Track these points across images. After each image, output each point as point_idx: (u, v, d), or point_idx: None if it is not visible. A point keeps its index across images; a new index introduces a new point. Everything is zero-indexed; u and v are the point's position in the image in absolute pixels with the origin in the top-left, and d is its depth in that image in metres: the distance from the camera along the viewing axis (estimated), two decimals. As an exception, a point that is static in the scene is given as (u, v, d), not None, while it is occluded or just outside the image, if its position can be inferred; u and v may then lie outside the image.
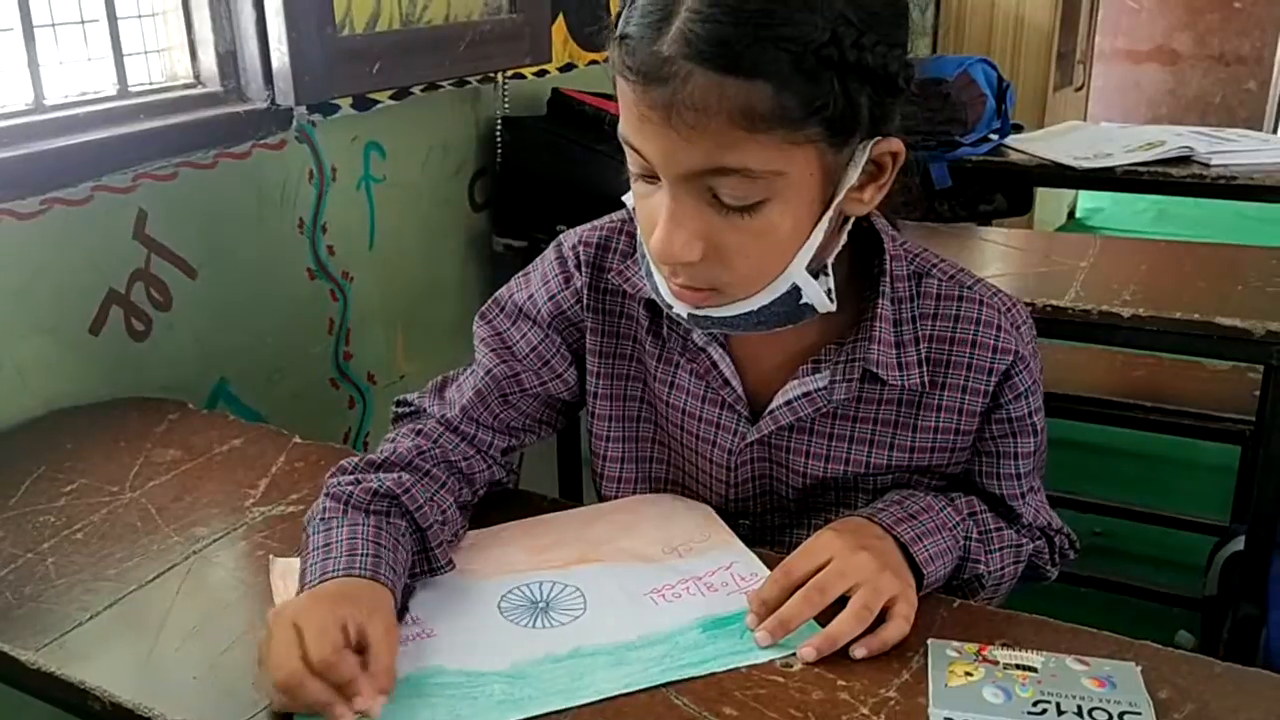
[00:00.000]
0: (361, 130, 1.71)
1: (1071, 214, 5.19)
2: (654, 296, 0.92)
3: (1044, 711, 0.74)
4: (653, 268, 0.89)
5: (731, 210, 0.81)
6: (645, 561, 0.95)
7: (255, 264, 1.55)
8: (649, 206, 0.84)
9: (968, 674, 0.78)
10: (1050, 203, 4.71)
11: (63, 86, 1.38)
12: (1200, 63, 6.01)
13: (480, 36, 1.79)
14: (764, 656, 0.83)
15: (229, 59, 1.51)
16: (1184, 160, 2.25)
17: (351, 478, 0.94)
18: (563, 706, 0.78)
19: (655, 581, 0.92)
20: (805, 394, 0.95)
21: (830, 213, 0.84)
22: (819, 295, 0.87)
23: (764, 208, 0.81)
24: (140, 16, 1.47)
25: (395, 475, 0.93)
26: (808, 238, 0.84)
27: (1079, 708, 0.75)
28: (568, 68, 2.16)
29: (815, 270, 0.87)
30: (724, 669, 0.82)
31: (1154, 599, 2.24)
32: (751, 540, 0.99)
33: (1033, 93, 4.19)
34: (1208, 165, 2.21)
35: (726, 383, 0.98)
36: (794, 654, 0.83)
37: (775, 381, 0.97)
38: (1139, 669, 0.79)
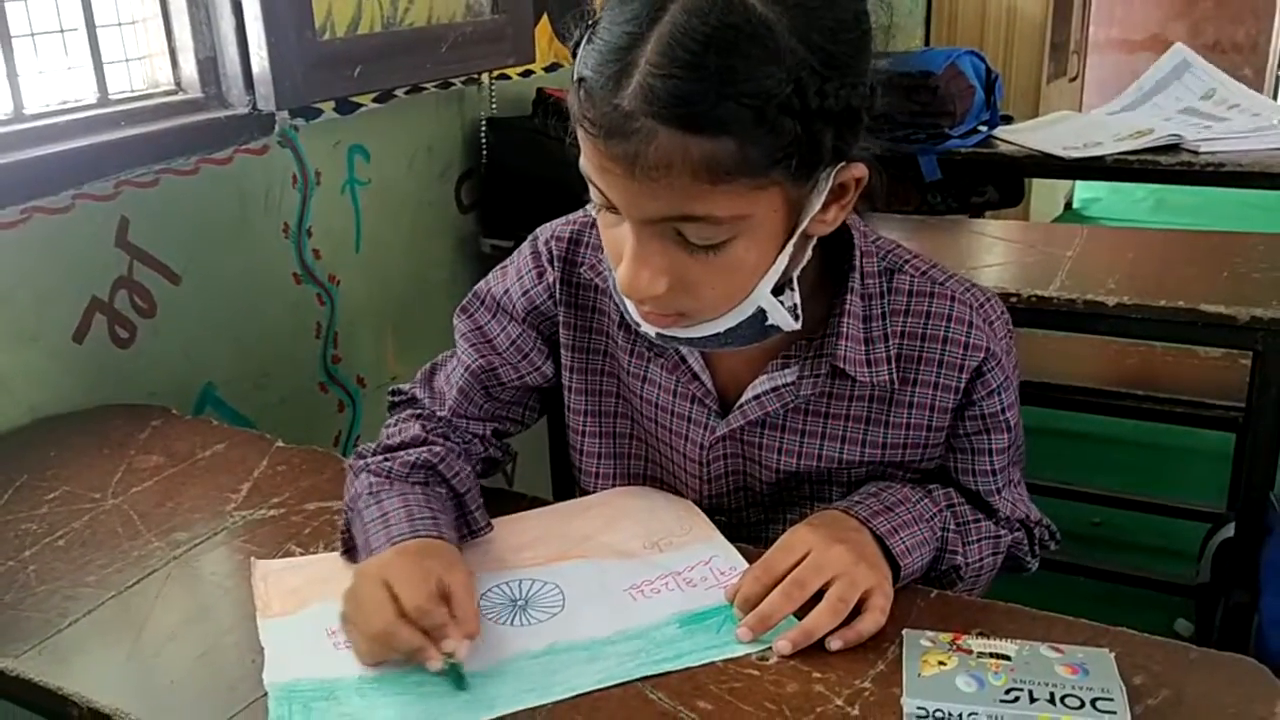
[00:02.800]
0: (345, 134, 1.71)
1: (1069, 205, 5.18)
2: (622, 311, 0.93)
3: (1016, 699, 0.74)
4: (619, 291, 0.88)
5: (697, 249, 0.80)
6: (626, 557, 0.95)
7: (240, 269, 1.55)
8: (614, 236, 0.84)
9: (941, 663, 0.78)
10: (1046, 194, 4.70)
11: (43, 96, 1.38)
12: (1195, 51, 5.99)
13: (463, 38, 1.79)
14: (739, 651, 0.83)
15: (209, 65, 1.51)
16: (1173, 148, 2.25)
17: (382, 456, 0.97)
18: (536, 704, 0.78)
19: (635, 577, 0.92)
20: (774, 389, 0.96)
21: (795, 239, 0.84)
22: (784, 316, 0.87)
23: (729, 245, 0.80)
24: (120, 24, 1.47)
25: (424, 449, 0.97)
26: (772, 264, 0.84)
27: (1051, 695, 0.74)
28: (553, 67, 2.16)
29: (780, 286, 0.87)
30: (699, 663, 0.82)
31: (1152, 587, 2.24)
32: (729, 536, 0.99)
33: (1026, 84, 4.19)
34: (1197, 153, 2.20)
35: (695, 377, 0.98)
36: (770, 648, 0.83)
37: (745, 376, 0.97)
38: (1113, 655, 0.79)
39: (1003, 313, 0.97)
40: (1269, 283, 1.56)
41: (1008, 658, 0.78)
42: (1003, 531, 1.00)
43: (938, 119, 2.41)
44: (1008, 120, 2.61)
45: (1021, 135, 2.46)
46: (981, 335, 0.93)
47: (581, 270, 1.01)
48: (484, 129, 1.96)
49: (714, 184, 0.76)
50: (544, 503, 1.07)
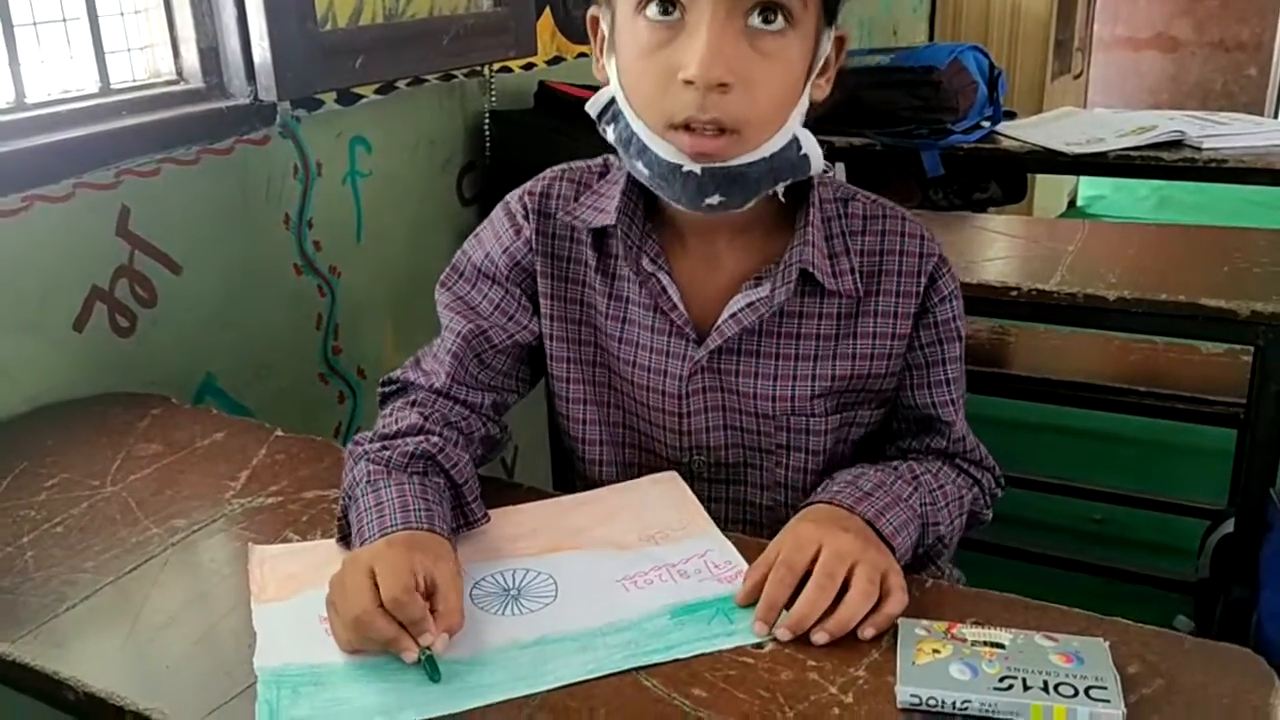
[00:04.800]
0: (346, 125, 1.71)
1: (1073, 202, 5.18)
2: (650, 177, 0.95)
3: (1010, 687, 0.74)
4: (655, 140, 0.92)
5: (760, 38, 0.88)
6: (620, 549, 0.96)
7: (241, 260, 1.55)
8: (664, 58, 0.89)
9: (935, 651, 0.78)
10: (1050, 190, 4.70)
11: (45, 85, 1.38)
12: (1200, 49, 5.99)
13: (465, 30, 1.79)
14: (729, 643, 0.83)
15: (211, 55, 1.51)
16: (1176, 144, 2.25)
17: (380, 444, 0.98)
18: (527, 693, 0.78)
19: (628, 569, 0.92)
20: (748, 304, 1.00)
21: (812, 79, 0.94)
22: (813, 145, 0.95)
23: (787, 36, 0.89)
24: (122, 14, 1.47)
25: (422, 438, 0.98)
26: (801, 94, 0.93)
27: (1045, 683, 0.74)
28: (555, 60, 2.16)
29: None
30: (688, 655, 0.82)
31: (1152, 584, 2.24)
32: (708, 479, 1.05)
33: (1030, 81, 4.19)
34: (1199, 149, 2.20)
35: (675, 306, 1.02)
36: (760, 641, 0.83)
37: (720, 305, 1.02)
38: (1107, 645, 0.79)
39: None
40: (1270, 278, 1.56)
41: (1002, 646, 0.79)
42: (964, 491, 1.04)
43: (941, 114, 2.41)
44: (1011, 116, 2.61)
45: (1024, 131, 2.46)
46: (932, 245, 1.02)
47: (559, 216, 1.05)
48: (487, 121, 1.96)
49: None
50: (543, 494, 1.07)
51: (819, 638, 0.82)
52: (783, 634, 0.82)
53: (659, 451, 1.08)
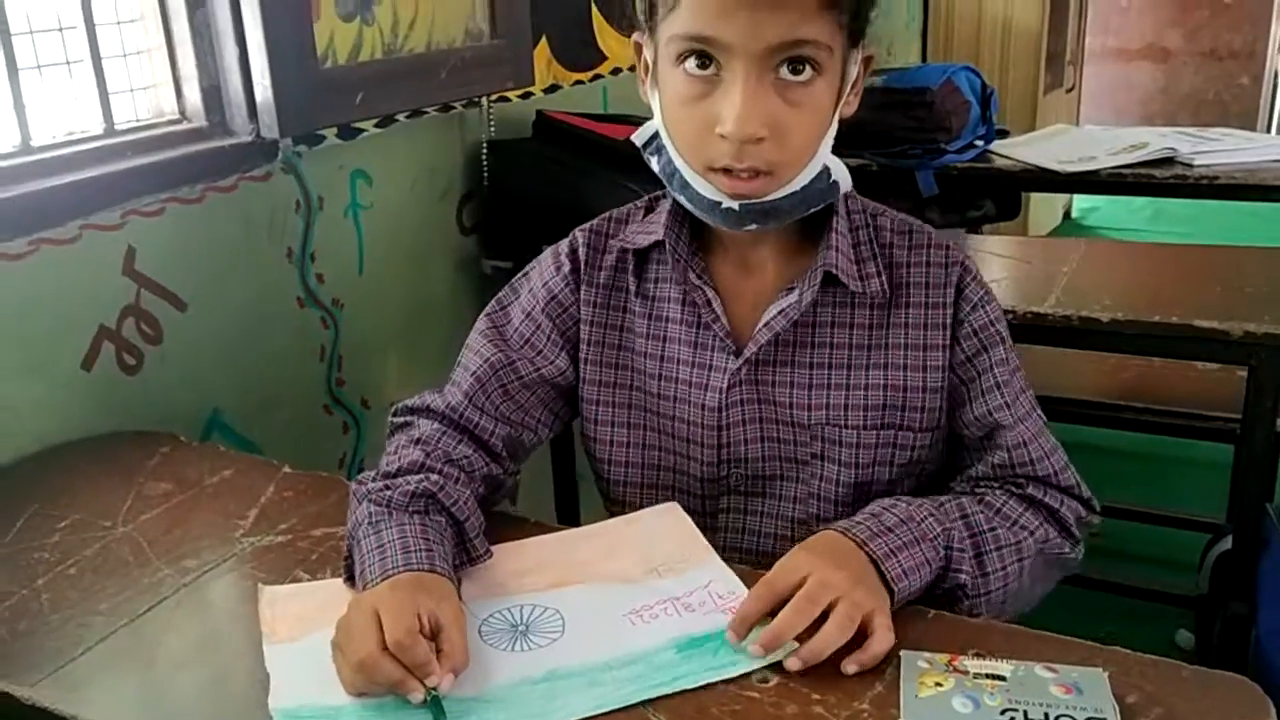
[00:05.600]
0: (347, 159, 1.73)
1: (1067, 214, 5.20)
2: (693, 208, 1.01)
3: (1011, 719, 0.76)
4: (695, 178, 0.98)
5: (789, 88, 0.93)
6: (625, 582, 0.97)
7: (245, 295, 1.57)
8: (702, 110, 0.95)
9: (938, 684, 0.80)
10: (1044, 204, 4.72)
11: (49, 127, 1.40)
12: (1192, 59, 6.02)
13: (462, 62, 1.81)
14: (735, 673, 0.84)
15: (213, 94, 1.53)
16: (1168, 162, 2.27)
17: (382, 484, 0.99)
18: (539, 729, 0.80)
19: (634, 602, 0.94)
20: (780, 311, 1.04)
21: (841, 104, 0.99)
22: (843, 172, 1.01)
23: (814, 85, 0.94)
24: (125, 55, 1.49)
25: (423, 476, 0.99)
26: (830, 123, 0.99)
27: (1045, 715, 0.76)
28: (552, 89, 2.19)
29: None
30: (695, 686, 0.83)
31: (1153, 599, 2.25)
32: (744, 491, 1.08)
33: (1023, 96, 4.21)
34: (1191, 166, 2.22)
35: (717, 318, 1.06)
36: (768, 668, 0.84)
37: (756, 318, 1.06)
38: (1106, 675, 0.80)
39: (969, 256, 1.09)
40: (1262, 298, 1.58)
41: (1003, 678, 0.80)
42: (1023, 535, 1.00)
43: (934, 134, 2.44)
44: (1004, 135, 2.63)
45: (1017, 150, 2.48)
46: (956, 254, 1.06)
47: (608, 244, 1.12)
48: (485, 151, 1.98)
49: (822, 7, 0.92)
50: (546, 527, 1.08)
51: (791, 664, 0.84)
52: (755, 650, 0.85)
53: (693, 471, 1.10)
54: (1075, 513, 1.05)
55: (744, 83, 0.92)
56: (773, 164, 0.95)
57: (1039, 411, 1.08)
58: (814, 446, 1.06)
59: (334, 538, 1.08)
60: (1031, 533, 1.01)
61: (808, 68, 0.93)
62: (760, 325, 1.05)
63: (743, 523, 1.09)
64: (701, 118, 0.95)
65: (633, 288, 1.10)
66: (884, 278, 1.04)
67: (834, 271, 1.03)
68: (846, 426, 1.05)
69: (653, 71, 1.02)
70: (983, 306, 1.05)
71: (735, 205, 0.97)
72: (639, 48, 1.04)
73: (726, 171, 0.96)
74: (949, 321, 1.04)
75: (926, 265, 1.05)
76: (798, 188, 0.98)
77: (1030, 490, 1.03)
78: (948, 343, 1.04)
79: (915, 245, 1.06)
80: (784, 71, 0.93)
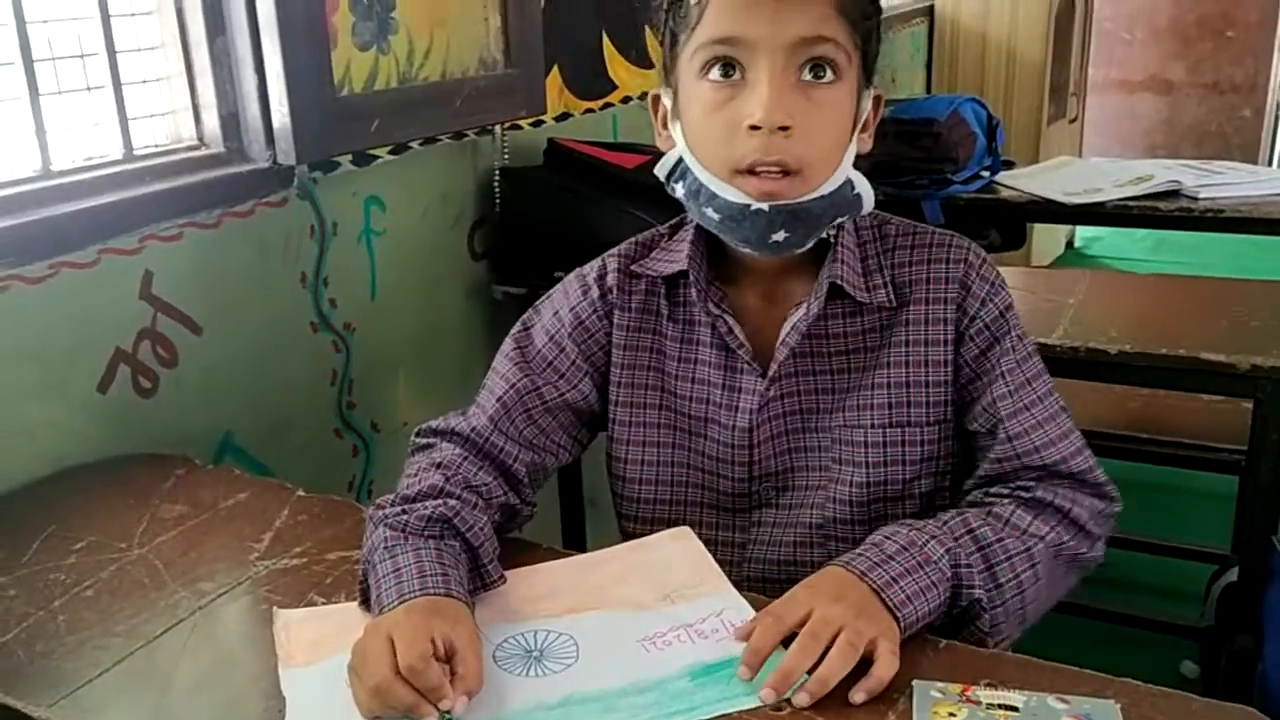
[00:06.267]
0: (361, 185, 1.75)
1: (1070, 244, 5.22)
2: (721, 221, 1.03)
3: (1024, 750, 0.76)
4: (723, 186, 1.01)
5: (812, 89, 0.98)
6: (639, 609, 0.98)
7: (260, 319, 1.59)
8: (729, 112, 0.98)
9: (950, 714, 0.80)
10: (1048, 234, 4.74)
11: (70, 152, 1.42)
12: (1194, 91, 6.05)
13: (476, 91, 1.83)
14: (749, 703, 0.85)
15: (231, 121, 1.55)
16: (1172, 194, 2.28)
17: (399, 509, 1.00)
18: (555, 754, 0.80)
19: (648, 629, 0.94)
20: (792, 326, 1.08)
21: (857, 133, 1.04)
22: (865, 185, 1.05)
23: (835, 88, 0.99)
24: (145, 82, 1.51)
25: (440, 501, 1.00)
26: (850, 139, 1.03)
27: (1058, 746, 0.76)
28: (563, 117, 2.21)
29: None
30: (711, 715, 0.84)
31: (1158, 629, 2.25)
32: (774, 504, 1.11)
33: (1027, 126, 4.24)
34: (1196, 199, 2.24)
35: (741, 344, 1.09)
36: (787, 699, 0.85)
37: (775, 342, 1.09)
38: (1118, 706, 0.81)
39: (981, 252, 1.10)
40: (1268, 331, 1.59)
41: (1015, 709, 0.81)
42: (1034, 542, 0.99)
43: (940, 165, 2.45)
44: (1009, 165, 2.65)
45: (1023, 181, 2.50)
46: (960, 252, 1.08)
47: (642, 267, 1.14)
48: (497, 179, 2.00)
49: (840, 13, 0.97)
50: (558, 553, 1.09)
51: (800, 699, 0.84)
52: (767, 695, 0.85)
53: (723, 488, 1.13)
54: (1091, 509, 1.05)
55: (770, 77, 0.96)
56: (800, 160, 0.98)
57: (1053, 398, 1.08)
58: (833, 451, 1.09)
59: (349, 561, 1.09)
60: (1043, 538, 1.00)
61: (829, 70, 0.98)
62: (778, 343, 1.08)
63: (770, 534, 1.12)
64: (728, 120, 0.99)
65: (665, 312, 1.13)
66: (890, 288, 1.08)
67: (839, 283, 1.06)
68: (858, 426, 1.08)
69: (670, 112, 1.06)
70: (990, 300, 1.07)
71: (765, 206, 0.99)
72: (655, 100, 1.09)
73: (754, 173, 0.98)
74: (953, 317, 1.06)
75: (929, 262, 1.08)
76: (825, 192, 1.01)
77: (1040, 493, 1.03)
78: (952, 338, 1.07)
79: (919, 245, 1.09)
80: (806, 73, 0.97)
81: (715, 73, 0.99)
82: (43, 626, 1.00)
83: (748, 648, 0.88)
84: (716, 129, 1.00)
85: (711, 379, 1.11)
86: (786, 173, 0.98)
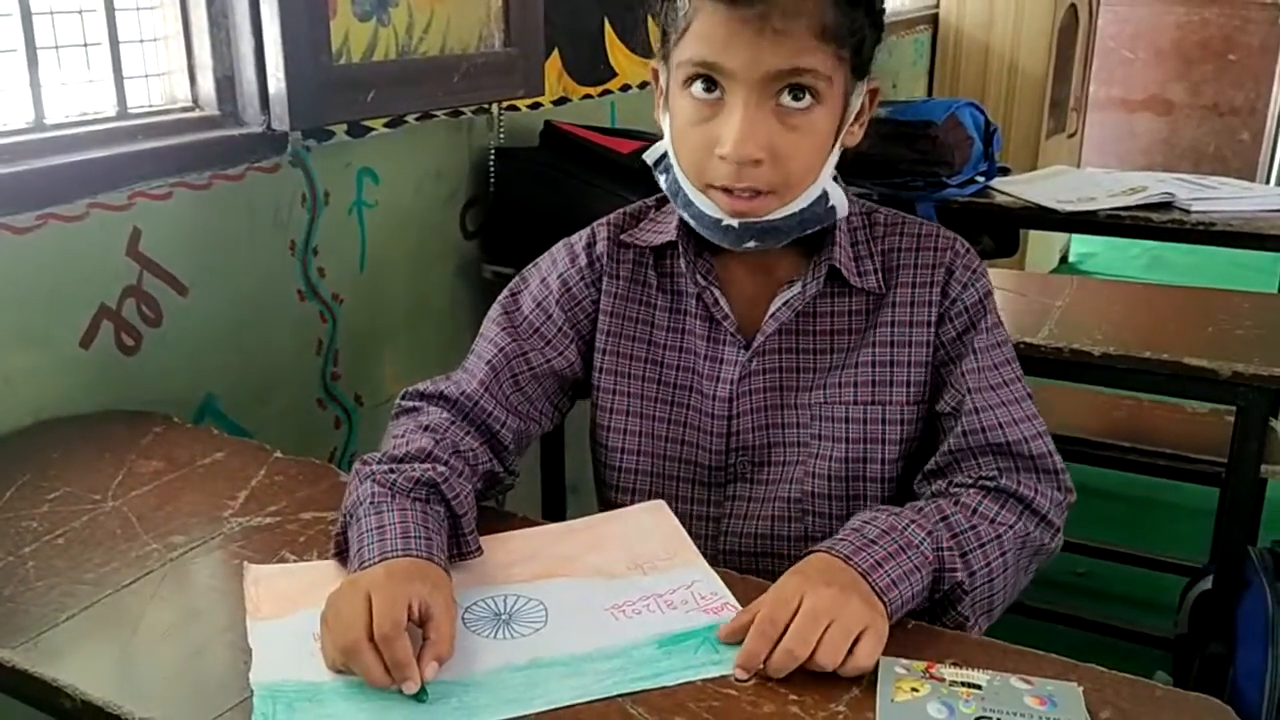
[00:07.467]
0: (355, 156, 1.74)
1: (1064, 258, 5.23)
2: (695, 224, 1.05)
3: (985, 727, 0.77)
4: (698, 196, 1.03)
5: (789, 115, 0.97)
6: (610, 577, 0.98)
7: (246, 284, 1.58)
8: (706, 130, 0.99)
9: (914, 690, 0.81)
10: (1042, 247, 4.75)
11: (64, 106, 1.42)
12: (1194, 113, 6.08)
13: (475, 69, 1.83)
14: (714, 673, 0.85)
15: (227, 84, 1.55)
16: (1166, 206, 2.30)
17: (387, 467, 1.00)
18: (517, 714, 0.80)
19: (617, 597, 0.95)
20: (784, 303, 1.09)
21: (843, 133, 1.03)
22: (841, 197, 1.06)
23: (813, 112, 0.99)
24: (142, 41, 1.51)
25: (429, 465, 1.00)
26: (831, 151, 1.03)
27: (1019, 724, 0.77)
28: (561, 101, 2.21)
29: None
30: (676, 683, 0.84)
31: (1132, 639, 2.26)
32: (749, 479, 1.12)
33: (1026, 138, 4.25)
34: (1188, 211, 2.25)
35: (727, 315, 1.10)
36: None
37: (761, 316, 1.11)
38: (1081, 689, 0.81)
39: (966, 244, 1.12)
40: (1252, 340, 1.60)
41: (979, 687, 0.81)
42: (1003, 529, 0.99)
43: (936, 168, 2.46)
44: (1005, 172, 2.66)
45: (1018, 187, 2.51)
46: (947, 240, 1.10)
47: (631, 236, 1.15)
48: (492, 158, 2.00)
49: (821, 40, 0.96)
50: (533, 522, 1.09)
51: (773, 670, 0.84)
52: (741, 674, 0.85)
53: (701, 460, 1.13)
54: (1052, 500, 1.04)
55: (744, 108, 0.97)
56: (772, 184, 0.99)
57: (1020, 384, 1.08)
58: (813, 427, 1.10)
59: (323, 522, 1.09)
60: (1010, 526, 1.00)
61: (807, 95, 0.98)
62: (767, 317, 1.10)
63: (746, 508, 1.12)
64: (704, 139, 1.00)
65: (654, 282, 1.15)
66: (879, 274, 1.09)
67: (837, 266, 1.08)
68: (839, 403, 1.10)
69: (665, 95, 1.06)
70: (972, 285, 1.09)
71: (735, 223, 1.02)
72: (655, 74, 1.09)
73: (726, 191, 1.00)
74: (937, 299, 1.08)
75: (917, 250, 1.09)
76: (796, 209, 1.02)
77: (1004, 482, 1.02)
78: (934, 319, 1.08)
79: (907, 233, 1.11)
80: (784, 98, 0.97)
81: (698, 87, 0.99)
82: (11, 571, 1.00)
83: (743, 650, 0.86)
84: (694, 143, 1.01)
85: (697, 349, 1.13)
86: (759, 193, 1.00)
